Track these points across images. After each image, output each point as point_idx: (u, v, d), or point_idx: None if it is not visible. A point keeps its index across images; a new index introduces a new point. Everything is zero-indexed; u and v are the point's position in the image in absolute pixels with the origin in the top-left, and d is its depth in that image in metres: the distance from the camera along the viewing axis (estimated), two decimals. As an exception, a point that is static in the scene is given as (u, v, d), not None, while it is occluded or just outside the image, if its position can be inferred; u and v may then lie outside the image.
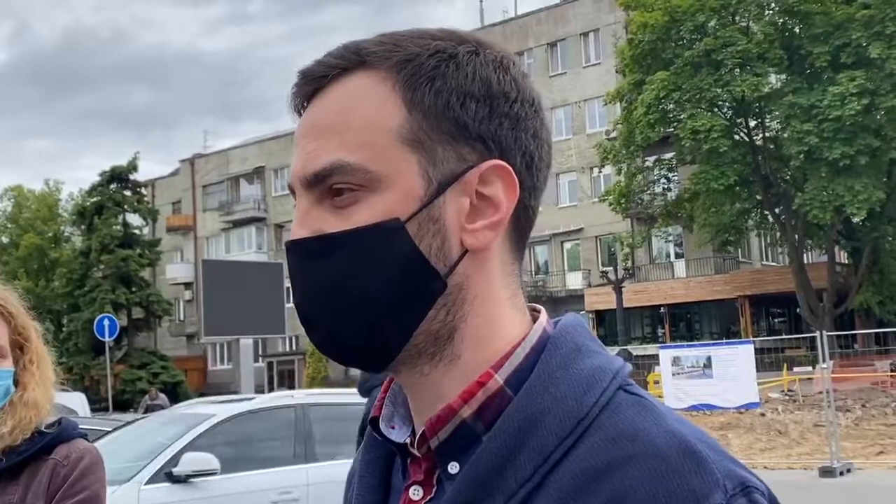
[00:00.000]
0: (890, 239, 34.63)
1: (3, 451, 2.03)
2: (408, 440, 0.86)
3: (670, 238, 41.12)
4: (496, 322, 0.84)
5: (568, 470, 0.76)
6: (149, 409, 20.56)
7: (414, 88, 0.81)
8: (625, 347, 23.26)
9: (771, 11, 33.37)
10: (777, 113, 31.95)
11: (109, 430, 8.48)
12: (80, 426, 2.27)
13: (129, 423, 8.84)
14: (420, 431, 0.83)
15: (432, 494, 0.83)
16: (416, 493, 0.84)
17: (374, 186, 0.80)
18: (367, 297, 0.80)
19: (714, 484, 0.72)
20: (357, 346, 0.82)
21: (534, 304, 0.90)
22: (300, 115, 0.86)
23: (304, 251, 0.82)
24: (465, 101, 0.82)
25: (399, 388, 0.90)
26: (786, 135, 31.25)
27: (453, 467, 0.81)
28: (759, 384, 14.40)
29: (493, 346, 0.83)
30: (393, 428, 0.89)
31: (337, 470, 6.97)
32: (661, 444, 0.74)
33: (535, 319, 0.88)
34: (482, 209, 0.82)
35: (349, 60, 0.83)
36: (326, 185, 0.81)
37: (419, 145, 0.81)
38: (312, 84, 0.85)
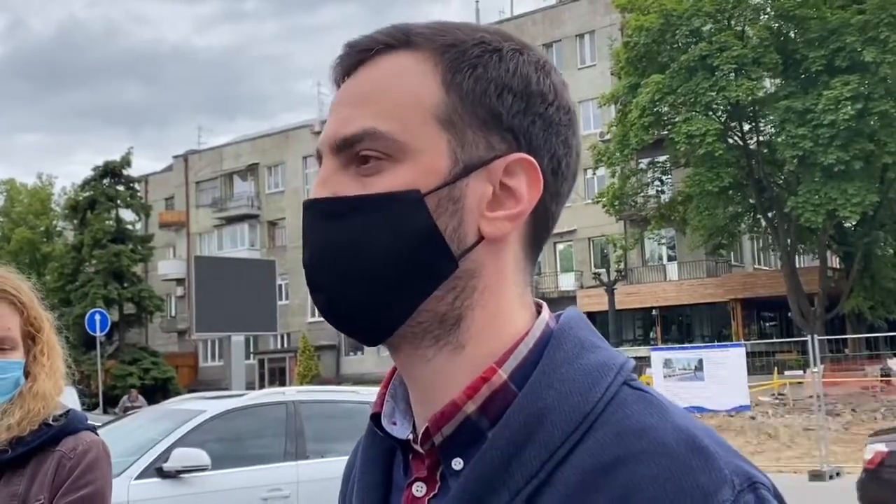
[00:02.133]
0: (882, 244, 34.80)
1: (10, 442, 2.02)
2: (410, 436, 0.85)
3: (663, 240, 41.20)
4: (504, 317, 0.84)
5: (574, 466, 0.75)
6: (127, 411, 20.54)
7: (455, 71, 0.83)
8: (616, 350, 23.27)
9: (766, 16, 33.46)
10: (771, 117, 32.05)
11: (99, 424, 8.46)
12: None
13: (108, 422, 8.82)
14: (422, 427, 0.83)
15: (436, 491, 0.82)
16: (419, 489, 0.83)
17: (400, 157, 0.81)
18: (375, 265, 0.80)
19: (722, 480, 0.72)
20: (358, 312, 0.82)
21: (535, 300, 0.90)
22: (339, 85, 0.87)
23: (320, 211, 0.83)
24: (503, 93, 0.83)
25: (399, 382, 0.90)
26: (780, 139, 31.33)
27: (457, 463, 0.81)
28: (749, 387, 14.42)
29: (497, 340, 0.83)
30: (394, 424, 0.88)
31: (328, 467, 6.97)
32: (669, 440, 0.74)
33: (536, 314, 0.87)
34: (503, 200, 0.83)
35: (397, 39, 0.85)
36: (354, 151, 0.82)
37: (451, 126, 0.82)
38: (357, 56, 0.86)
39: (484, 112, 0.82)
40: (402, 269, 0.80)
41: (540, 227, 0.87)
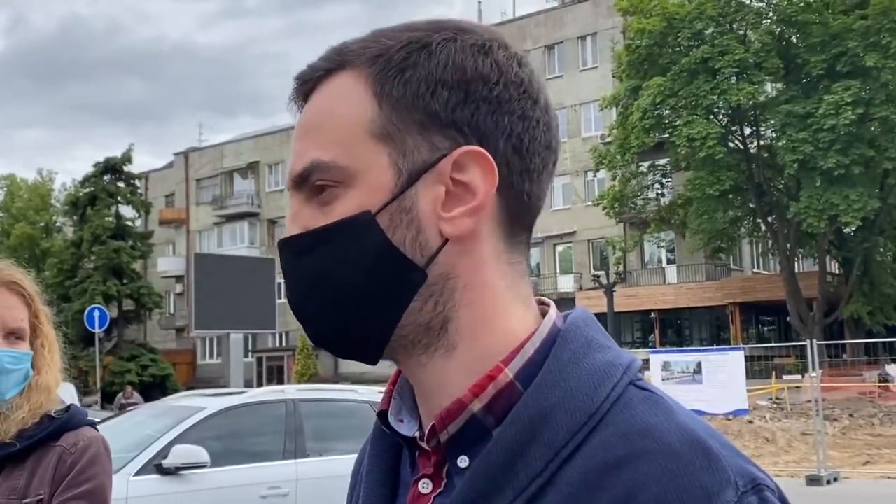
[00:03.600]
0: (881, 250, 34.80)
1: (16, 436, 2.01)
2: (416, 434, 0.86)
3: (662, 243, 41.19)
4: (493, 311, 0.83)
5: (579, 465, 0.75)
6: (123, 408, 20.51)
7: (383, 82, 0.82)
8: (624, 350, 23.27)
9: (768, 20, 33.48)
10: (772, 121, 32.06)
11: (98, 420, 8.46)
12: None
13: (107, 418, 8.81)
14: (428, 425, 0.83)
15: (442, 488, 0.83)
16: (425, 486, 0.84)
17: (349, 181, 0.81)
18: (345, 291, 0.81)
19: (726, 481, 0.72)
20: (345, 338, 0.84)
21: (542, 298, 0.90)
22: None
23: (291, 248, 0.84)
24: (436, 89, 0.81)
25: (406, 380, 0.90)
26: (780, 143, 31.34)
27: (463, 461, 0.81)
28: (747, 391, 14.42)
29: (493, 336, 0.83)
30: (401, 421, 0.89)
31: (327, 466, 6.97)
32: (673, 441, 0.74)
33: (543, 314, 0.87)
34: (460, 196, 0.82)
35: (332, 62, 0.85)
36: (310, 184, 0.83)
37: (388, 138, 0.81)
38: (303, 87, 0.87)
39: (419, 114, 0.81)
40: (372, 289, 0.81)
41: (517, 209, 0.85)
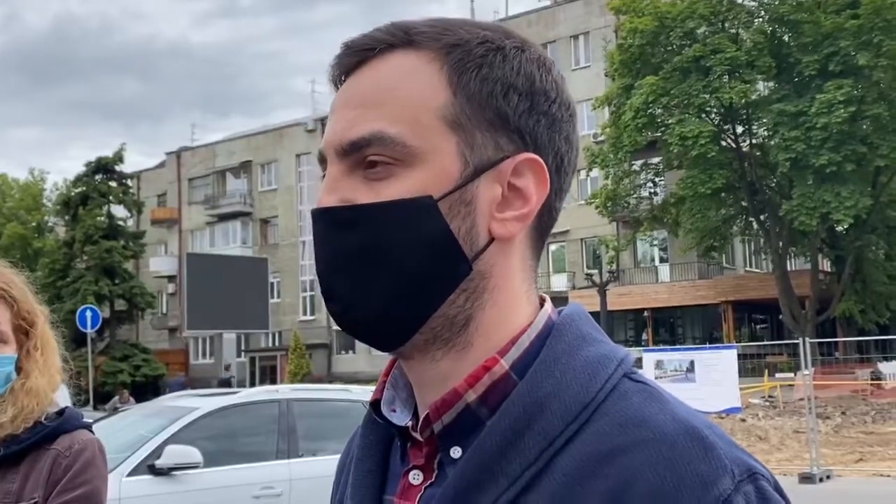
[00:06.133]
0: (873, 248, 34.87)
1: (3, 440, 1.97)
2: (409, 424, 0.86)
3: (655, 242, 41.27)
4: (511, 314, 0.84)
5: (573, 454, 0.76)
6: (116, 411, 20.38)
7: (461, 72, 0.82)
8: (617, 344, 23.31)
9: (760, 19, 33.54)
10: (765, 120, 32.12)
11: (91, 421, 8.43)
12: None
13: (99, 419, 8.78)
14: (423, 415, 0.83)
15: (432, 479, 0.82)
16: (415, 477, 0.84)
17: (410, 161, 0.80)
18: (391, 273, 0.80)
19: (722, 469, 0.72)
20: (376, 321, 0.82)
21: (539, 294, 0.90)
22: (337, 86, 0.86)
23: (331, 220, 0.82)
24: (509, 93, 0.82)
25: (400, 371, 0.90)
26: (773, 142, 31.41)
27: (455, 452, 0.81)
28: (740, 390, 14.44)
29: (503, 334, 0.83)
30: (394, 411, 0.88)
31: (320, 466, 6.96)
32: (669, 430, 0.74)
33: (539, 308, 0.88)
34: (512, 200, 0.83)
35: (397, 38, 0.84)
36: (362, 155, 0.81)
37: (460, 128, 0.81)
38: (357, 56, 0.85)
39: (491, 113, 0.82)
40: (420, 275, 0.80)
41: (544, 224, 0.87)
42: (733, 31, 32.97)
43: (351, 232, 0.81)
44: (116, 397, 24.97)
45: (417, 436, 0.84)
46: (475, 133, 0.81)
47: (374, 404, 0.89)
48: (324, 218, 0.82)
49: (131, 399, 24.22)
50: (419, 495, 0.83)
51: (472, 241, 0.81)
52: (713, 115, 33.37)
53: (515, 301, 0.84)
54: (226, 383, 21.92)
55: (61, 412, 2.08)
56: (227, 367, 23.24)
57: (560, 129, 0.85)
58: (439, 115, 0.81)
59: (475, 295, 0.82)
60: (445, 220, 0.80)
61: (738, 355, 14.49)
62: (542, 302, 0.89)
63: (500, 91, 0.82)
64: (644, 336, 41.10)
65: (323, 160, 0.85)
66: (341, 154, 0.82)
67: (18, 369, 2.06)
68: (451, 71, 0.82)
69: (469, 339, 0.83)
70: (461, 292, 0.81)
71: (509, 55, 0.84)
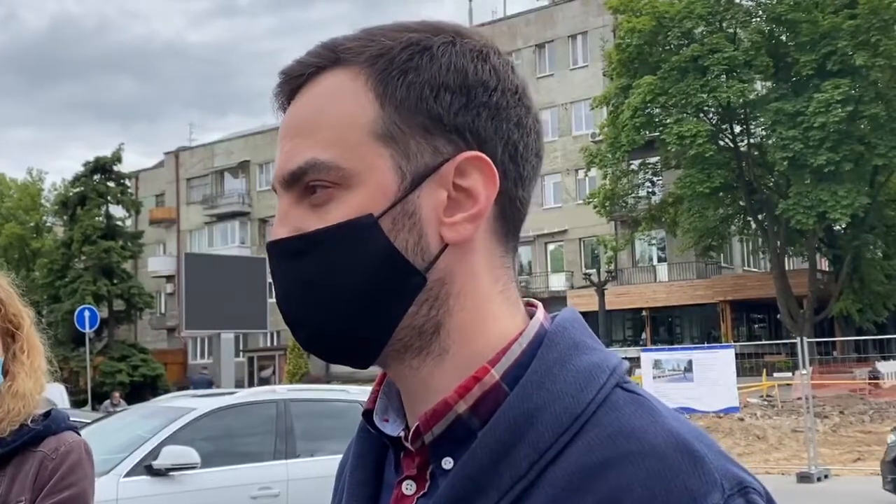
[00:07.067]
0: (871, 247, 34.90)
1: None
2: (402, 434, 0.85)
3: (653, 242, 41.28)
4: (486, 315, 0.83)
5: (564, 467, 0.75)
6: (110, 415, 20.32)
7: (386, 83, 0.81)
8: (611, 351, 23.32)
9: (758, 19, 33.58)
10: (762, 119, 32.14)
11: (88, 421, 8.43)
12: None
13: (98, 419, 8.79)
14: (413, 426, 0.82)
15: (425, 490, 0.82)
16: (408, 487, 0.83)
17: (348, 183, 0.80)
18: (345, 295, 0.80)
19: (712, 484, 0.71)
20: (339, 343, 0.82)
21: (530, 299, 0.89)
22: (284, 114, 0.86)
23: (283, 251, 0.82)
24: (440, 93, 0.81)
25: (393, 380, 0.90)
26: (771, 141, 31.44)
27: (447, 462, 0.80)
28: (738, 389, 14.45)
29: (484, 339, 0.82)
30: (387, 421, 0.88)
31: (318, 466, 6.97)
32: (659, 443, 0.73)
33: (531, 315, 0.87)
34: (461, 202, 0.81)
35: (325, 58, 0.83)
36: (303, 184, 0.81)
37: (392, 140, 0.80)
38: (291, 83, 0.85)
39: (423, 117, 0.80)
40: (372, 293, 0.80)
41: (509, 215, 0.85)
42: (731, 30, 32.99)
43: (301, 260, 0.81)
44: (107, 401, 24.90)
45: (409, 446, 0.83)
46: (409, 142, 0.80)
47: (367, 414, 0.89)
48: (276, 250, 0.83)
49: (122, 402, 24.17)
50: None
51: (423, 250, 0.80)
52: (711, 115, 33.39)
53: (488, 302, 0.83)
54: (207, 384, 21.94)
55: (47, 414, 2.07)
56: (205, 368, 23.23)
57: (507, 117, 0.83)
58: (368, 130, 0.80)
59: (438, 302, 0.81)
60: (388, 236, 0.79)
61: (736, 355, 14.50)
62: (533, 308, 0.88)
63: (429, 93, 0.80)
64: (642, 335, 41.09)
65: (276, 191, 0.86)
66: (286, 186, 0.83)
67: (5, 372, 2.05)
68: (376, 83, 0.81)
69: (443, 345, 0.82)
70: (422, 303, 0.81)
71: (437, 53, 0.81)
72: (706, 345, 24.96)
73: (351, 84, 0.81)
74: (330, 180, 0.80)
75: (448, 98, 0.81)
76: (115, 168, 47.98)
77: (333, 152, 0.80)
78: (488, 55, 0.84)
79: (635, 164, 36.63)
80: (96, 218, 46.38)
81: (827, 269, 38.20)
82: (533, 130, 0.85)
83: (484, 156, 0.81)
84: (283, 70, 0.85)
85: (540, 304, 0.89)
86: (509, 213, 0.85)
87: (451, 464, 0.80)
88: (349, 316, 0.80)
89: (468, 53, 0.83)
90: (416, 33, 0.83)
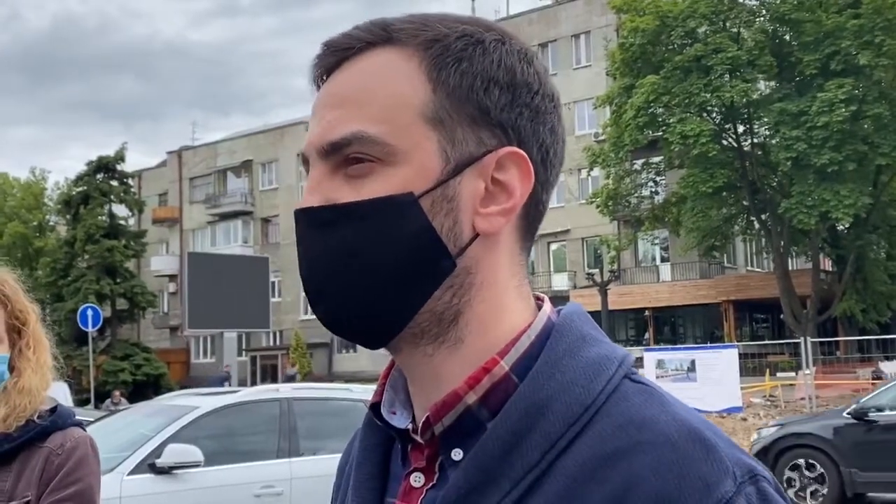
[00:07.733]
0: (874, 247, 34.87)
1: None
2: (409, 426, 0.85)
3: (656, 241, 41.25)
4: (502, 309, 0.84)
5: (575, 456, 0.75)
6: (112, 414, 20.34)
7: (440, 68, 0.82)
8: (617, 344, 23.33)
9: (762, 18, 33.55)
10: (766, 119, 32.11)
11: (91, 420, 8.44)
12: None
13: (100, 418, 8.79)
14: (422, 417, 0.82)
15: (434, 482, 0.82)
16: (417, 480, 0.83)
17: (391, 160, 0.80)
18: (374, 271, 0.80)
19: (724, 471, 0.72)
20: (360, 320, 0.82)
21: (536, 294, 0.90)
22: (318, 86, 0.86)
23: (313, 220, 0.82)
24: (490, 87, 0.82)
25: (399, 373, 0.90)
26: (774, 141, 31.40)
27: (457, 454, 0.80)
28: (741, 389, 14.45)
29: (496, 332, 0.83)
30: (394, 413, 0.88)
31: (321, 465, 6.96)
32: (670, 432, 0.74)
33: (538, 308, 0.87)
34: (496, 195, 0.82)
35: (376, 35, 0.84)
36: (343, 155, 0.81)
37: (440, 124, 0.81)
38: (336, 55, 0.85)
39: (472, 108, 0.82)
40: (403, 272, 0.80)
41: (531, 217, 0.87)
42: (734, 30, 32.96)
43: (333, 231, 0.81)
44: (108, 400, 24.92)
45: (418, 438, 0.83)
46: (456, 129, 0.81)
47: (374, 406, 0.89)
48: (305, 218, 0.82)
49: (123, 400, 24.19)
50: (421, 498, 0.82)
51: (456, 236, 0.81)
52: (714, 115, 33.36)
53: (505, 296, 0.84)
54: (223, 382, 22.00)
55: (53, 409, 2.07)
56: (227, 366, 23.29)
57: (544, 121, 0.85)
58: (419, 112, 0.81)
59: (462, 291, 0.82)
60: (427, 216, 0.80)
61: (739, 355, 14.51)
62: (539, 301, 0.88)
63: (480, 85, 0.82)
64: (645, 335, 41.07)
65: (306, 161, 0.85)
66: (323, 155, 0.82)
67: (11, 368, 2.05)
68: (430, 67, 0.82)
69: (460, 334, 0.82)
70: (447, 288, 0.81)
71: (489, 48, 0.83)
72: (709, 345, 24.94)
73: (404, 64, 0.82)
74: (374, 154, 0.80)
75: (497, 93, 0.82)
76: (118, 167, 47.99)
77: (382, 128, 0.80)
78: (532, 59, 0.86)
79: (638, 163, 36.61)
80: (99, 217, 46.39)
81: (830, 270, 38.16)
82: (561, 139, 0.87)
83: (523, 153, 0.82)
84: (327, 41, 0.86)
85: (546, 298, 0.90)
86: (532, 214, 0.86)
87: (461, 455, 0.80)
88: (376, 291, 0.80)
89: (516, 54, 0.85)
90: (469, 25, 0.84)
